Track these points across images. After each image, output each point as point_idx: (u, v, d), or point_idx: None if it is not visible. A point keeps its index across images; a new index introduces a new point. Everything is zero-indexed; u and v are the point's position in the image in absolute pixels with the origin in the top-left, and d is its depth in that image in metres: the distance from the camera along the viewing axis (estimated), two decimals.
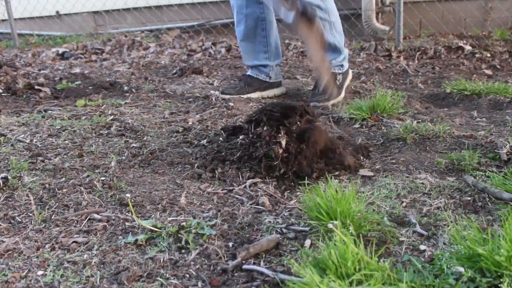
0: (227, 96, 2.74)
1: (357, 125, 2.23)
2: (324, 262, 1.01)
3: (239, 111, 2.49)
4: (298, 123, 1.72)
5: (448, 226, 1.27)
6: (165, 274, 1.12)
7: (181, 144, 2.03)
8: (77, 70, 3.87)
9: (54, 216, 1.41)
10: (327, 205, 1.26)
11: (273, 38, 2.79)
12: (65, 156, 1.89)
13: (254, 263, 1.16)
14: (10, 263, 1.19)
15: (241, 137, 1.80)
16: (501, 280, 0.96)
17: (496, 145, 1.82)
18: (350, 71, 2.93)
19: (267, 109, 1.75)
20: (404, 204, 1.43)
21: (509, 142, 1.82)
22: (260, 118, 1.75)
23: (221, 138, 1.99)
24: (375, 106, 2.33)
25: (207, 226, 1.31)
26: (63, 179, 1.66)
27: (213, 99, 2.70)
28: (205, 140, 2.04)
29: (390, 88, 3.00)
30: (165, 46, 4.81)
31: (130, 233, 1.31)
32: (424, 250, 1.18)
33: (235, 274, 1.12)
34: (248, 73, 2.89)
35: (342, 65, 2.74)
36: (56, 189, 1.58)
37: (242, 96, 2.77)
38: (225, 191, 1.58)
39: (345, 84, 2.78)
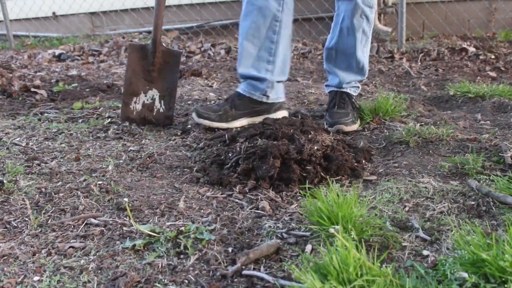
0: (204, 122, 2.18)
1: (359, 128, 2.24)
2: (325, 268, 1.01)
3: None
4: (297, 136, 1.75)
5: (452, 231, 1.28)
6: (163, 280, 1.13)
7: (180, 148, 2.03)
8: (74, 72, 3.88)
9: (51, 221, 1.41)
10: (328, 209, 1.27)
11: (283, 47, 2.21)
12: (61, 160, 1.89)
13: (254, 269, 1.16)
14: (5, 268, 1.19)
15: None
16: (506, 286, 0.96)
17: (500, 148, 1.82)
18: None
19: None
20: (406, 208, 1.43)
21: None
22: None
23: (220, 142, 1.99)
24: (377, 109, 2.33)
25: (206, 231, 1.31)
26: (60, 183, 1.67)
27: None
28: (204, 143, 2.05)
29: (392, 90, 3.01)
30: None
31: (128, 238, 1.31)
32: (427, 255, 1.18)
33: (235, 280, 1.12)
34: (238, 90, 2.29)
35: (358, 87, 2.41)
36: (53, 193, 1.58)
37: (223, 124, 2.18)
38: (225, 195, 1.58)
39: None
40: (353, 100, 2.35)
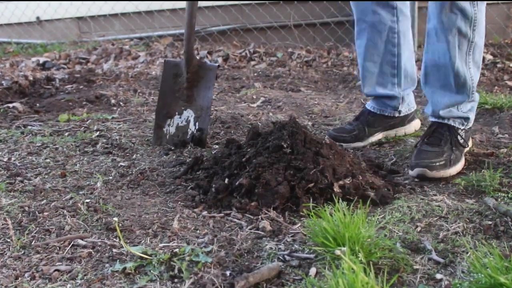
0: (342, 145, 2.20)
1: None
2: None
3: (237, 124, 2.52)
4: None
5: (467, 252, 1.29)
6: None
7: (174, 163, 2.04)
8: None
9: (35, 242, 1.42)
10: (334, 229, 1.28)
11: (405, 57, 2.25)
12: (46, 176, 1.90)
13: None
14: None
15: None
16: None
17: None
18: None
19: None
20: (418, 228, 1.44)
21: None
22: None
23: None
24: None
25: (202, 253, 1.32)
26: (44, 201, 1.68)
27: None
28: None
29: None
30: (156, 55, 4.86)
31: (118, 260, 1.32)
32: (441, 279, 1.19)
33: None
34: (368, 108, 2.34)
35: (468, 118, 1.97)
36: (37, 212, 1.59)
37: (360, 143, 2.25)
38: (222, 214, 1.59)
39: (467, 148, 2.00)
40: (457, 136, 1.93)
